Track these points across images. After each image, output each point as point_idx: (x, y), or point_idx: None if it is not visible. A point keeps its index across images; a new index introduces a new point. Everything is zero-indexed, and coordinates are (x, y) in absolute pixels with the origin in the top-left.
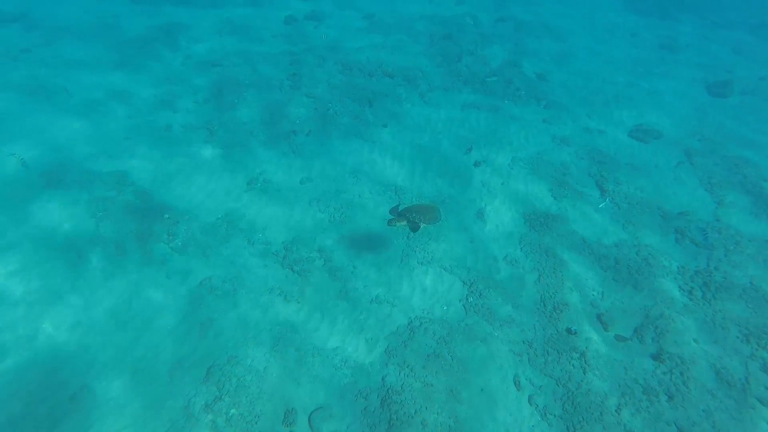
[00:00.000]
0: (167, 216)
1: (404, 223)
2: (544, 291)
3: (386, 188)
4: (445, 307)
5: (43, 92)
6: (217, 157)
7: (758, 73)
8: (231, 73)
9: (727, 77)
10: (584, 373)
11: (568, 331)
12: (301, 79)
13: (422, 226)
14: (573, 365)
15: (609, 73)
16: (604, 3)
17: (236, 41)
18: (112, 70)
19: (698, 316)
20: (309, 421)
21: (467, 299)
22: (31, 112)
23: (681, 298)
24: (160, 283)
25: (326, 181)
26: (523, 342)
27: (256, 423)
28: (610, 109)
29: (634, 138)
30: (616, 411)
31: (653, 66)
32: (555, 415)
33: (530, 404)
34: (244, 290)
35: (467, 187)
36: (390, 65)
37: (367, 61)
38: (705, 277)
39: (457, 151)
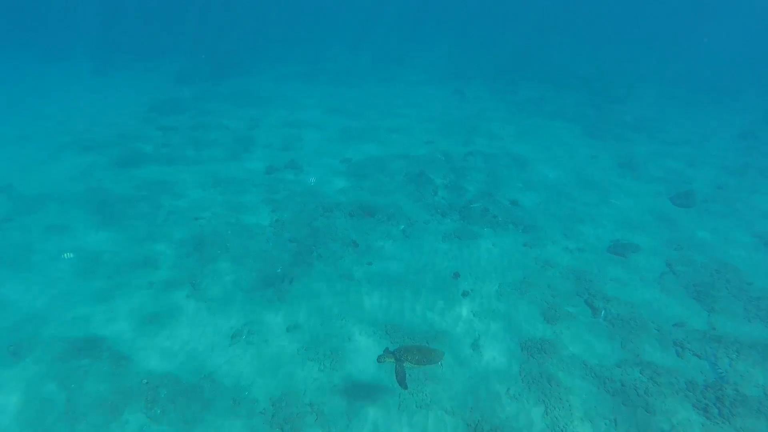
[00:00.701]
0: (146, 381)
1: (392, 360)
2: (554, 425)
3: (376, 328)
4: None
5: (23, 260)
6: (200, 312)
7: (714, 181)
8: (213, 226)
9: (687, 188)
10: None
11: None
12: (283, 225)
13: (408, 366)
14: None
15: (578, 193)
16: (563, 132)
17: (218, 194)
18: (94, 231)
19: None
20: None
21: None
22: (8, 279)
23: (698, 418)
24: None
25: (314, 327)
26: None
27: None
28: (585, 228)
29: (614, 253)
30: None
31: (618, 183)
32: None
33: None
34: None
35: (458, 318)
36: (370, 204)
37: (347, 202)
38: (716, 391)
39: (444, 282)
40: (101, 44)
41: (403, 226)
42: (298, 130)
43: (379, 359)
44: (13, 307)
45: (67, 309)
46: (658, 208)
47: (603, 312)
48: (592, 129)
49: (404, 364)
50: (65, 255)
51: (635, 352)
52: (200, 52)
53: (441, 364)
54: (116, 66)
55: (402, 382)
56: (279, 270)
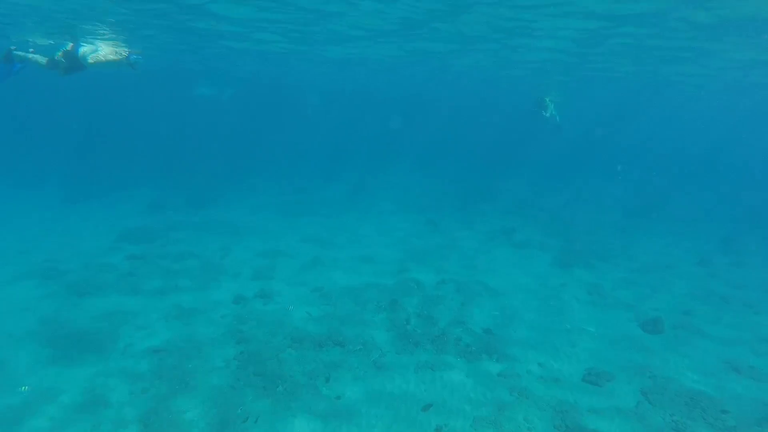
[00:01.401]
0: None
1: None
2: None
3: None
4: None
5: None
6: None
7: (681, 307)
8: (174, 359)
9: (655, 315)
10: None
11: None
12: (249, 358)
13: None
14: None
15: (549, 321)
16: (533, 260)
17: (183, 325)
18: (43, 367)
19: None
20: None
21: None
22: None
23: None
24: None
25: None
26: None
27: None
28: (559, 356)
29: (588, 382)
30: None
31: (588, 310)
32: None
33: None
34: None
35: None
36: (340, 334)
37: (317, 332)
38: None
39: (416, 418)
40: (74, 173)
41: (374, 357)
42: (270, 259)
43: None
44: None
45: None
46: (628, 335)
47: None
48: (561, 257)
49: None
50: (22, 388)
51: None
52: (176, 184)
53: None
54: (88, 195)
55: None
56: (244, 408)
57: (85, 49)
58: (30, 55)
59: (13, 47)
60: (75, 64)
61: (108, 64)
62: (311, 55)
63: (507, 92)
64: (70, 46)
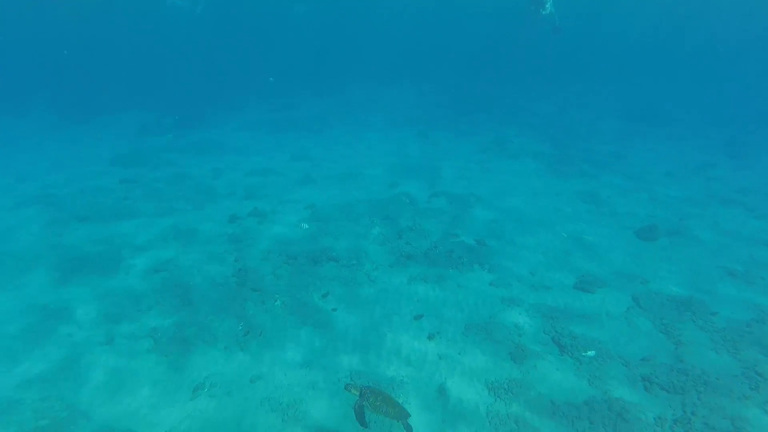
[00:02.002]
0: None
1: (356, 394)
2: None
3: (341, 376)
4: None
5: None
6: (160, 366)
7: (677, 214)
8: (175, 277)
9: (651, 222)
10: None
11: None
12: (246, 275)
13: (366, 407)
14: None
15: (544, 231)
16: (527, 170)
17: (180, 245)
18: (53, 288)
19: None
20: None
21: None
22: None
23: None
24: None
25: (277, 376)
26: None
27: None
28: (551, 265)
29: (580, 289)
30: None
31: (582, 219)
32: None
33: None
34: None
35: (424, 362)
36: (334, 250)
37: (311, 248)
38: (685, 426)
39: (409, 327)
40: (62, 99)
41: (367, 271)
42: (261, 178)
43: (346, 387)
44: None
45: (22, 369)
46: (623, 242)
47: (592, 352)
48: (556, 166)
49: (364, 404)
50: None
51: (603, 388)
52: (164, 106)
53: (405, 425)
54: (77, 120)
55: (360, 419)
56: (244, 319)
57: None
58: None
59: None
60: None
61: None
62: None
63: None
64: None
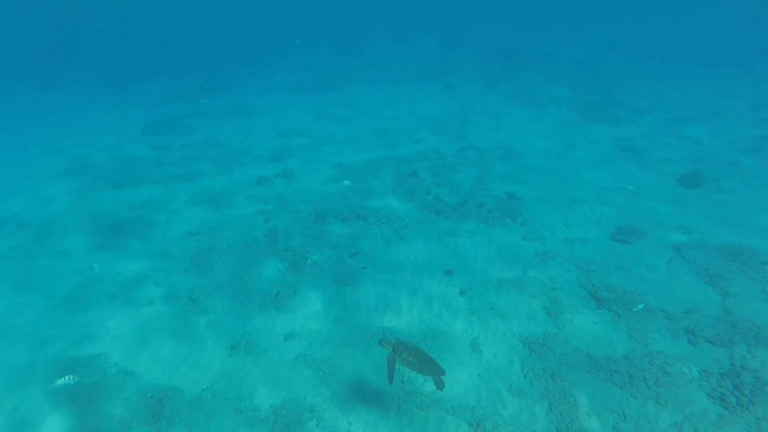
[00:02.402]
0: (150, 395)
1: (390, 349)
2: (559, 421)
3: (373, 332)
4: None
5: (29, 284)
6: (199, 325)
7: (725, 159)
8: (209, 240)
9: (695, 168)
10: None
11: None
12: (277, 235)
13: (399, 362)
14: None
15: (577, 181)
16: (558, 119)
17: (212, 208)
18: (96, 253)
19: (740, 427)
20: None
21: None
22: (18, 305)
23: (714, 408)
24: None
25: (311, 333)
26: None
27: None
28: (587, 216)
29: (618, 241)
30: None
31: (619, 169)
32: None
33: None
34: None
35: (456, 318)
36: (362, 208)
37: (340, 207)
38: (734, 379)
39: (440, 283)
40: (94, 71)
41: (397, 228)
42: (287, 139)
43: (380, 342)
44: (23, 333)
45: (72, 330)
46: (664, 190)
47: (641, 305)
48: (589, 114)
49: (396, 358)
50: (93, 267)
51: (643, 342)
52: (191, 72)
53: (437, 381)
54: (108, 91)
55: (390, 374)
56: (276, 279)
57: None
58: None
59: None
60: None
61: None
62: None
63: None
64: None
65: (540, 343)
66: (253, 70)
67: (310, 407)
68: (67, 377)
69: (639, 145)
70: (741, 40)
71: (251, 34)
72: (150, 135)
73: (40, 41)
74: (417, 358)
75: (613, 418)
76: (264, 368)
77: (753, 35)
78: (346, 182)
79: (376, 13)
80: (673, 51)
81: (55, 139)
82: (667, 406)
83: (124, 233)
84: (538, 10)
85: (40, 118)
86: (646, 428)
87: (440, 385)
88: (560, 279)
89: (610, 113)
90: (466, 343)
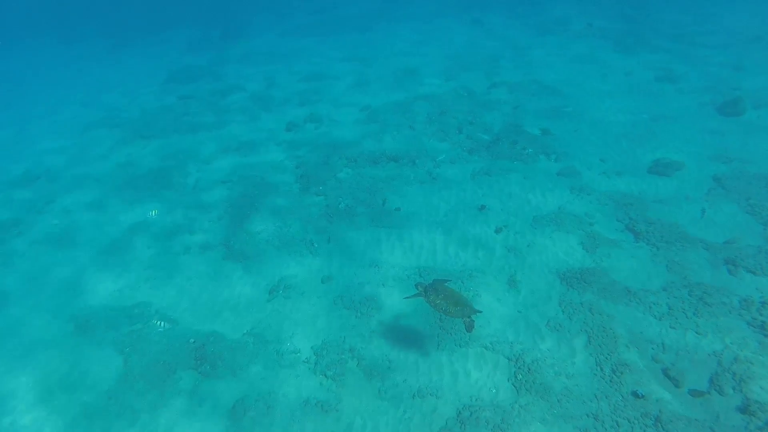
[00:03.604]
0: (193, 340)
1: (421, 298)
2: (598, 353)
3: (409, 272)
4: (493, 390)
5: (67, 239)
6: (236, 272)
7: (767, 84)
8: (241, 187)
9: (736, 95)
10: None
11: (635, 395)
12: (309, 180)
13: (428, 302)
14: None
15: (613, 114)
16: (593, 50)
17: (242, 156)
18: (129, 205)
19: None
20: None
21: (516, 377)
22: (58, 259)
23: (754, 336)
24: (191, 412)
25: (348, 276)
26: (588, 416)
27: None
28: (623, 150)
29: (655, 173)
30: None
31: (656, 99)
32: None
33: None
34: (278, 407)
35: (492, 255)
36: (393, 149)
37: (370, 149)
38: None
39: (475, 222)
40: (112, 23)
41: (429, 168)
42: (314, 83)
43: (416, 285)
44: (65, 285)
45: (114, 281)
46: (702, 119)
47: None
48: (624, 44)
49: (429, 299)
50: (152, 212)
51: (682, 274)
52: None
53: (467, 323)
54: (129, 42)
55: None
56: (309, 223)
57: None
58: None
59: None
60: None
61: None
62: None
63: None
64: None
65: (578, 278)
66: (274, 13)
67: (350, 347)
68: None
69: (677, 73)
70: None
71: None
72: (174, 84)
73: None
74: (445, 300)
75: (652, 349)
76: (303, 311)
77: None
78: (411, 126)
79: None
80: None
81: (80, 91)
82: (707, 335)
83: (156, 184)
84: None
85: (62, 70)
86: (686, 358)
87: (469, 327)
88: (597, 213)
89: (646, 42)
90: (503, 281)
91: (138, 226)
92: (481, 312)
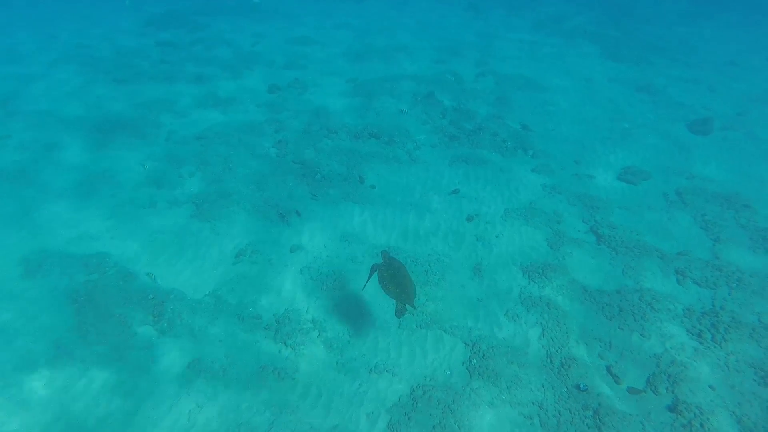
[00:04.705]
0: (152, 296)
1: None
2: (550, 346)
3: (379, 250)
4: (448, 372)
5: (22, 177)
6: (203, 231)
7: (736, 108)
8: (216, 146)
9: (706, 115)
10: None
11: (578, 388)
12: (287, 146)
13: (382, 275)
14: (587, 425)
15: (592, 118)
16: (581, 53)
17: (220, 113)
18: (96, 150)
19: (711, 360)
20: None
21: (470, 361)
22: (12, 197)
23: (690, 342)
24: (145, 368)
25: (317, 248)
26: (533, 403)
27: None
28: (596, 154)
29: (624, 180)
30: None
31: (633, 109)
32: None
33: None
34: (234, 370)
35: (461, 243)
36: (375, 126)
37: (352, 123)
38: (712, 318)
39: (448, 208)
40: None
41: (409, 149)
42: (301, 46)
43: (382, 253)
44: (17, 225)
45: (71, 227)
46: (673, 134)
47: None
48: (612, 50)
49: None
50: (144, 166)
51: (636, 278)
52: None
53: (398, 308)
54: None
55: (365, 283)
56: (284, 191)
57: None
58: None
59: None
60: None
61: None
62: None
63: None
64: None
65: (539, 272)
66: None
67: (312, 318)
68: None
69: (657, 86)
70: None
71: None
72: (153, 28)
73: None
74: (391, 278)
75: (600, 346)
76: (268, 278)
77: None
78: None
79: None
80: None
81: (47, 24)
82: (650, 338)
83: (125, 131)
84: None
85: (29, 5)
86: (629, 357)
87: (399, 313)
88: (565, 213)
89: (633, 51)
90: (469, 268)
91: (103, 172)
92: (416, 308)
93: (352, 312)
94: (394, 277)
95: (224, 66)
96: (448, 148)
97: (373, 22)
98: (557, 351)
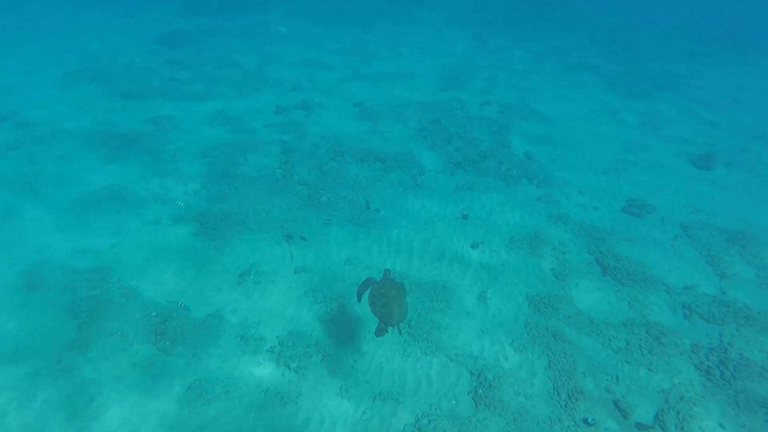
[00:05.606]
0: (154, 314)
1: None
2: (557, 378)
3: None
4: (453, 402)
5: (29, 188)
6: (208, 249)
7: (739, 145)
8: (222, 164)
9: (709, 150)
10: None
11: (586, 422)
12: (293, 167)
13: (373, 293)
14: None
15: (596, 150)
16: (585, 85)
17: (227, 132)
18: (102, 164)
19: (720, 398)
20: None
21: (476, 391)
22: (16, 210)
23: (699, 379)
24: (146, 388)
25: (322, 270)
26: None
27: None
28: (601, 186)
29: (629, 213)
30: None
31: (637, 142)
32: None
33: None
34: (237, 393)
35: (466, 270)
36: (381, 150)
37: (359, 147)
38: (720, 354)
39: (453, 234)
40: None
41: (414, 175)
42: (309, 69)
43: (384, 271)
44: (21, 237)
45: (75, 240)
46: (677, 169)
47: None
48: (615, 84)
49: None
50: (179, 203)
51: (642, 312)
52: None
53: (379, 328)
54: None
55: (358, 296)
56: (289, 212)
57: None
58: None
59: None
60: None
61: None
62: None
63: None
64: None
65: (545, 303)
66: None
67: (316, 342)
68: None
69: (660, 121)
70: None
71: None
72: (164, 46)
73: None
74: (381, 297)
75: (607, 380)
76: (272, 300)
77: None
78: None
79: None
80: (708, 31)
81: (61, 39)
82: (658, 373)
83: (132, 147)
84: None
85: (43, 18)
86: (636, 392)
87: (379, 333)
88: (570, 243)
89: (636, 86)
90: (474, 295)
91: (109, 187)
92: (400, 333)
93: (357, 336)
94: (384, 296)
95: (233, 86)
96: (453, 174)
97: (380, 47)
98: (564, 383)
